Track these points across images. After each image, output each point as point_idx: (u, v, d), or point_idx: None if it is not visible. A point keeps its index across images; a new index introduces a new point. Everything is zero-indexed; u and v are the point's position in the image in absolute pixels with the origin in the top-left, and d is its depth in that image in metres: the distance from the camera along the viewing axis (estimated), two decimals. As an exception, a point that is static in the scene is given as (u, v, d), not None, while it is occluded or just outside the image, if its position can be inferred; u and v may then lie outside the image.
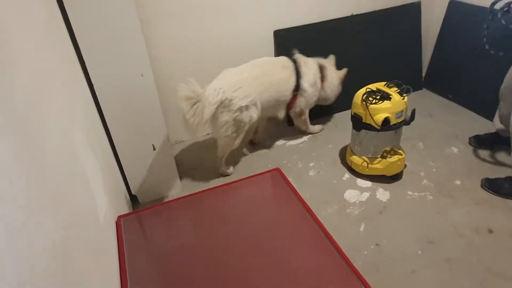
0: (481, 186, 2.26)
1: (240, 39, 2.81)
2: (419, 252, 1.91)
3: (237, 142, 2.47)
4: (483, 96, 2.88)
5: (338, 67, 2.82)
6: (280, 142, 2.88)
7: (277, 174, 1.81)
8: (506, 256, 1.85)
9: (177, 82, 2.74)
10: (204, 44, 2.72)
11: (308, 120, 2.86)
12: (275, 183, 1.85)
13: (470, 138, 2.65)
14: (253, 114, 2.38)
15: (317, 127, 2.95)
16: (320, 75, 2.70)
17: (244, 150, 2.82)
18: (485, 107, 2.90)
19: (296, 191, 1.68)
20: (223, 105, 2.25)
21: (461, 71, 3.09)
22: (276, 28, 2.85)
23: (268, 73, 2.46)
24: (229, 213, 1.77)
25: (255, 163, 2.68)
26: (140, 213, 1.85)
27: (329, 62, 2.79)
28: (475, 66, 2.91)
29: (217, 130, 2.36)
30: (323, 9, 2.94)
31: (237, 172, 2.59)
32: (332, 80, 2.76)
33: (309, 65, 2.64)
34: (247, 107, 2.33)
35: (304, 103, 2.68)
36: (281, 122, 3.07)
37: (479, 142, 2.60)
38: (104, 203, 1.50)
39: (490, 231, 1.99)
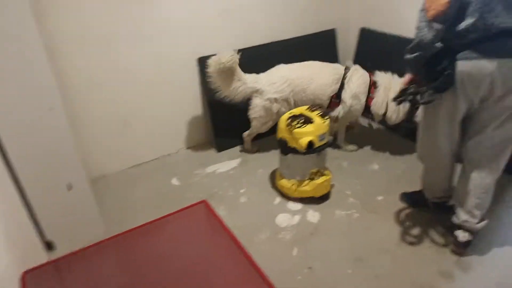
0: (400, 200, 2.40)
1: (163, 66, 2.74)
2: (349, 271, 1.95)
3: (264, 128, 2.83)
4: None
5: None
6: (210, 169, 2.82)
7: (204, 207, 1.75)
8: (426, 267, 1.96)
9: (96, 110, 2.59)
10: (123, 71, 2.61)
11: (342, 134, 2.97)
12: (202, 216, 1.79)
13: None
14: (282, 108, 2.70)
15: (350, 147, 2.98)
16: (369, 92, 2.74)
17: (173, 180, 2.71)
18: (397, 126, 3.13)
19: (223, 223, 1.63)
20: (258, 92, 2.66)
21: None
22: (201, 55, 2.84)
23: (309, 77, 2.70)
24: (156, 252, 1.66)
25: (186, 193, 2.58)
26: (54, 263, 1.66)
27: (389, 79, 2.72)
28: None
29: (249, 109, 2.75)
30: (246, 36, 2.99)
31: (166, 204, 2.46)
32: (383, 98, 2.70)
33: (355, 78, 2.73)
34: (276, 100, 2.67)
35: (341, 113, 2.76)
36: (211, 148, 3.04)
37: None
38: (3, 258, 1.31)
39: (411, 243, 2.11)
